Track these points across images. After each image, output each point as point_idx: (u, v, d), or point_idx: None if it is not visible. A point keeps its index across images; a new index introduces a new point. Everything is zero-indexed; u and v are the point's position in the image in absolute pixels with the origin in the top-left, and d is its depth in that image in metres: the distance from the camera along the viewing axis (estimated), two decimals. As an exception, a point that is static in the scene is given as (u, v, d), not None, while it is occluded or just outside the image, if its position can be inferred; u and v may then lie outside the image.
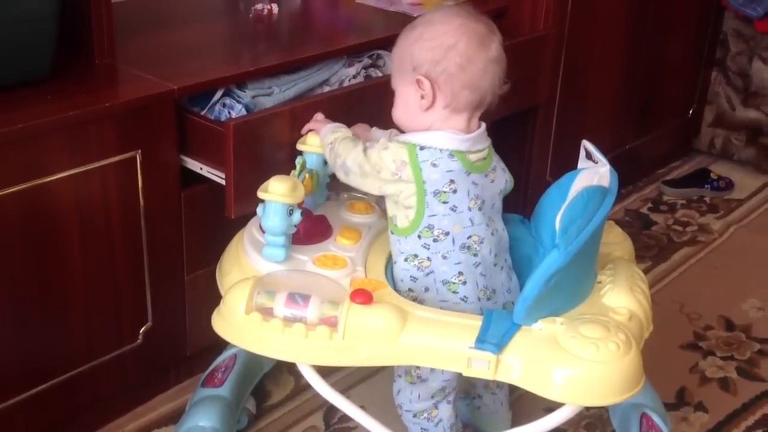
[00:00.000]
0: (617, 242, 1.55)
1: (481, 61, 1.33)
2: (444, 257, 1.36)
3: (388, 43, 1.90)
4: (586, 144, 1.48)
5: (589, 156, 1.47)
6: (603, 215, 1.31)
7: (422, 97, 1.35)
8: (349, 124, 1.58)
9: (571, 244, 1.25)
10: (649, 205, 2.63)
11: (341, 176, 1.40)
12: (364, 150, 1.36)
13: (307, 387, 1.78)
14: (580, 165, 1.49)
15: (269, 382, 1.79)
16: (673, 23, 2.57)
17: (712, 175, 2.72)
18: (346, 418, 1.71)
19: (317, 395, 1.76)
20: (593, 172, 1.42)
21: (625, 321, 1.33)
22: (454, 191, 1.34)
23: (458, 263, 1.37)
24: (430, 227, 1.35)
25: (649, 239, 2.43)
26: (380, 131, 1.51)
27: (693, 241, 2.44)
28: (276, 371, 1.79)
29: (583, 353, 1.24)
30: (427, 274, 1.37)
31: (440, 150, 1.33)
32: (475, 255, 1.37)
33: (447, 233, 1.35)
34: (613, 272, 1.42)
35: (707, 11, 2.71)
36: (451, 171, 1.33)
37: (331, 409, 1.74)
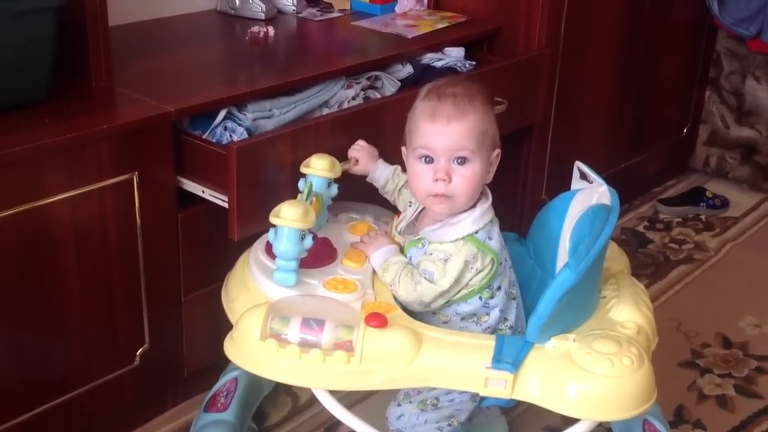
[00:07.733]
0: (614, 257, 1.56)
1: None
2: (501, 310, 1.42)
3: (384, 64, 1.92)
4: (579, 165, 1.49)
5: (583, 176, 1.48)
6: (608, 232, 1.33)
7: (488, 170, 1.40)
8: (349, 146, 1.59)
9: (582, 262, 1.26)
10: (645, 223, 2.64)
11: (415, 308, 1.40)
12: (433, 281, 1.37)
13: (305, 408, 1.78)
14: (573, 185, 1.50)
15: (267, 404, 1.78)
16: (667, 43, 2.59)
17: (707, 193, 2.73)
18: (343, 439, 1.71)
19: (315, 416, 1.76)
20: (591, 191, 1.43)
21: (634, 335, 1.34)
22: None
23: (507, 310, 1.43)
24: (490, 287, 1.40)
25: (646, 257, 2.43)
26: (384, 165, 1.56)
27: (689, 259, 2.44)
28: (273, 392, 1.78)
29: (599, 369, 1.26)
30: (485, 329, 1.42)
31: (486, 224, 1.39)
32: (514, 299, 1.44)
33: (500, 287, 1.41)
34: (616, 287, 1.44)
35: (700, 31, 2.73)
36: (497, 233, 1.40)
37: (328, 430, 1.73)
